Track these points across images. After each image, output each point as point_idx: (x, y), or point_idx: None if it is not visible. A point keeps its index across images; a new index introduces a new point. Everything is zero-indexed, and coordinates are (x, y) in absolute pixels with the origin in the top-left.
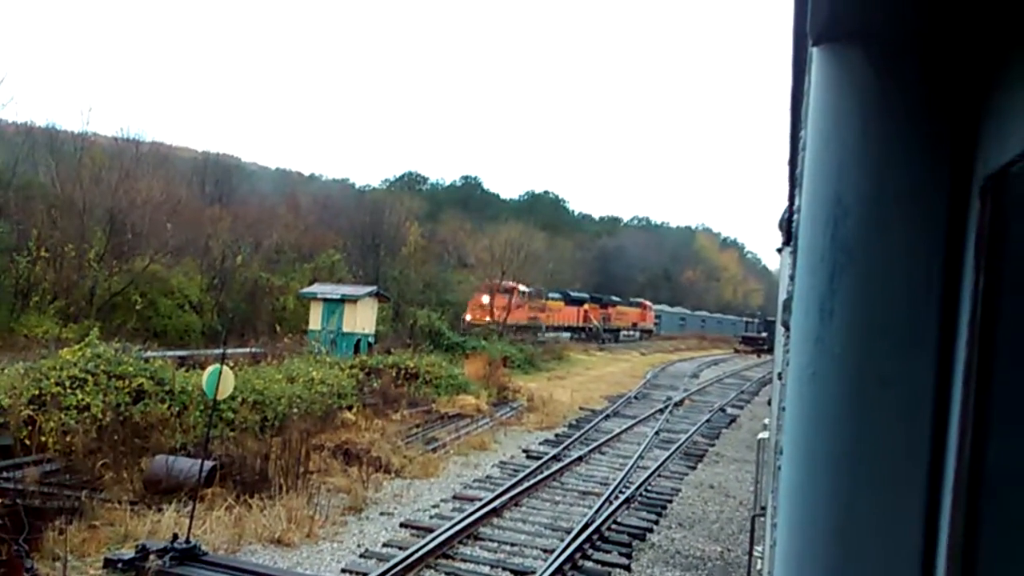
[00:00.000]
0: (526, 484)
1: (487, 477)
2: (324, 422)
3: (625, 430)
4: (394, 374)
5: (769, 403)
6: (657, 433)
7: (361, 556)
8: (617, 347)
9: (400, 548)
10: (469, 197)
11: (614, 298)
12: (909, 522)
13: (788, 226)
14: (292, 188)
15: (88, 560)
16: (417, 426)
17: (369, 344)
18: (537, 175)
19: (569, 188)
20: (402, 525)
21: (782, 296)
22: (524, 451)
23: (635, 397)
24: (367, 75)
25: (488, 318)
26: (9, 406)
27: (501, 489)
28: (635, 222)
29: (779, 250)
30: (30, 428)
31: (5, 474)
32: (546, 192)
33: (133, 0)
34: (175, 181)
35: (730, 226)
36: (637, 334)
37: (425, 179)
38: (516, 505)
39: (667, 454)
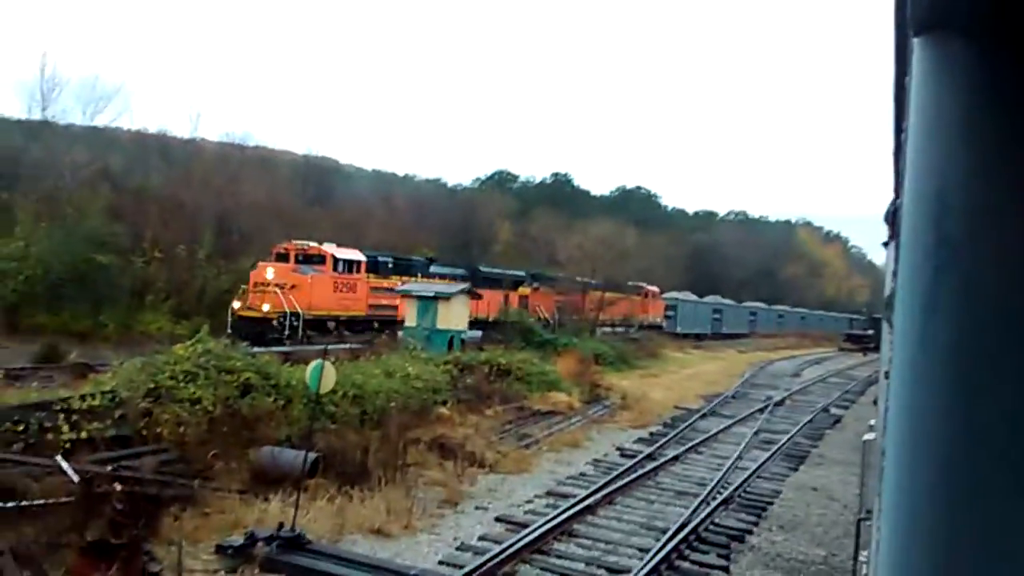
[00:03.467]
0: (620, 482)
1: (580, 474)
2: (420, 417)
3: (722, 430)
4: (487, 370)
5: (875, 403)
6: (756, 433)
7: (457, 549)
8: (715, 345)
9: (495, 542)
10: (559, 194)
11: (587, 280)
12: (1020, 529)
13: (893, 219)
14: (388, 188)
15: (200, 546)
16: (510, 422)
17: (462, 341)
18: (629, 170)
19: (662, 183)
20: (497, 519)
21: (887, 293)
22: (618, 449)
23: (733, 396)
24: (460, 76)
25: (272, 305)
26: (128, 398)
27: (595, 486)
28: (731, 216)
29: (885, 244)
30: (147, 419)
31: (125, 463)
32: (638, 187)
33: (237, 8)
34: (278, 183)
35: (833, 219)
36: (633, 330)
37: (516, 177)
38: (610, 503)
39: (767, 455)
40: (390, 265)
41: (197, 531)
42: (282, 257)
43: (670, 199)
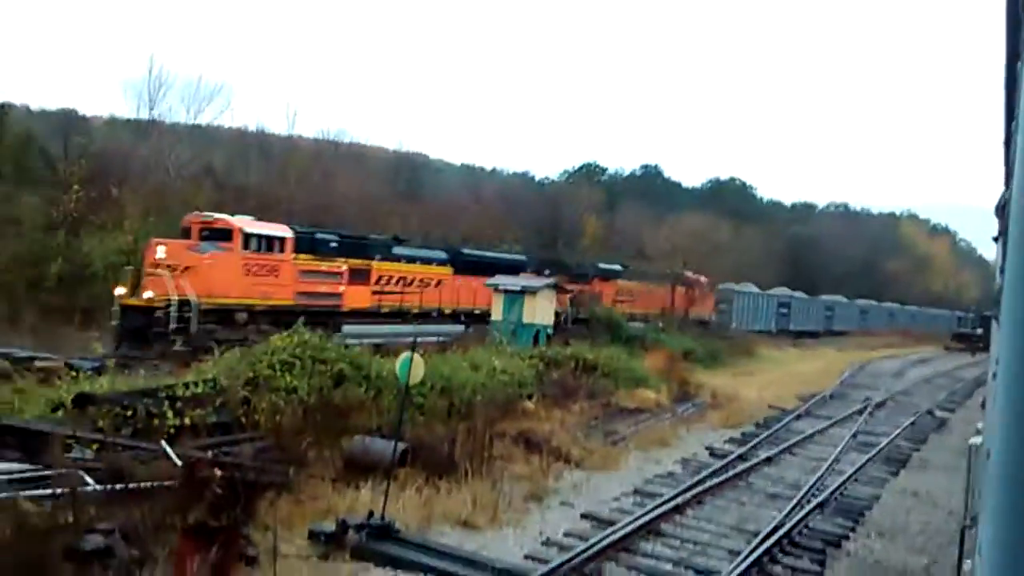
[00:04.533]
0: (710, 483)
1: (669, 473)
2: (506, 410)
3: (819, 431)
4: (572, 366)
5: (983, 406)
6: (855, 436)
7: (543, 544)
8: (812, 343)
9: (581, 539)
10: (649, 186)
11: (612, 267)
12: None
13: (1003, 212)
14: (476, 182)
15: (294, 531)
16: (596, 418)
17: (548, 335)
18: (722, 161)
19: (757, 173)
20: (583, 516)
21: (997, 289)
22: (708, 449)
23: (830, 396)
24: (549, 69)
25: (157, 291)
26: (228, 387)
27: (684, 486)
28: (831, 208)
29: (996, 239)
30: (246, 407)
31: (225, 449)
32: (732, 179)
33: (333, 8)
34: (370, 178)
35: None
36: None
37: (604, 169)
38: (699, 503)
39: (866, 458)
40: (333, 244)
41: (291, 517)
42: (186, 233)
43: (766, 190)
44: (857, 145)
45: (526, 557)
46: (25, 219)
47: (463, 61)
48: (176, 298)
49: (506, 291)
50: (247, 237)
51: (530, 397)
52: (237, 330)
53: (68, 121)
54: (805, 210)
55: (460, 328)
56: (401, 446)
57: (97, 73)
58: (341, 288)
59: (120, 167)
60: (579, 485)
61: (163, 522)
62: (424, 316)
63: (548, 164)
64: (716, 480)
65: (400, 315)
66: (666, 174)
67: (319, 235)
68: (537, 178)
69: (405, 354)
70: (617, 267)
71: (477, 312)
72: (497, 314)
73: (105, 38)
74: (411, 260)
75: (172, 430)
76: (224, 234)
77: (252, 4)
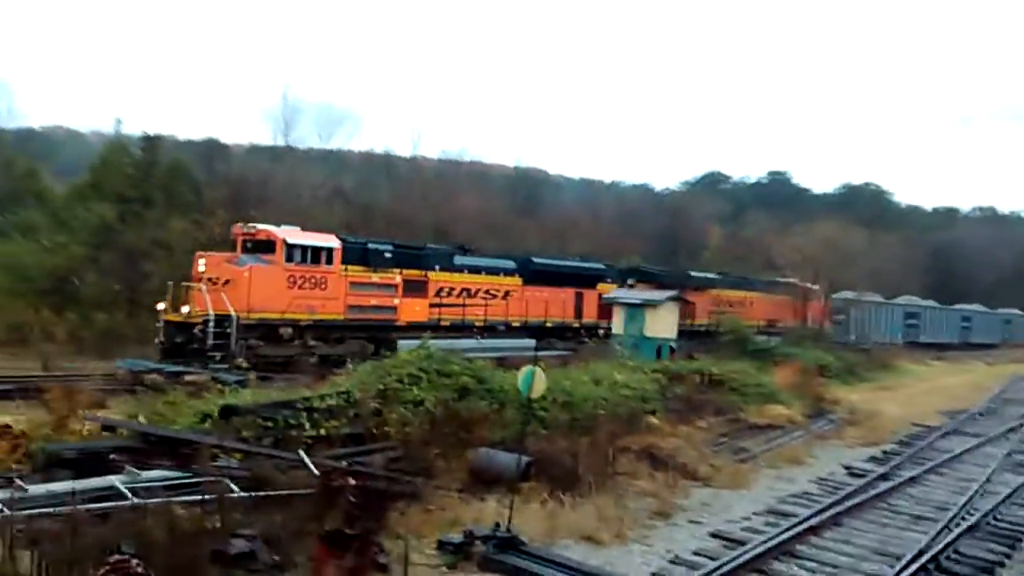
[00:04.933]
0: (848, 503)
1: (803, 492)
2: (629, 425)
3: (968, 450)
4: (698, 380)
5: None
6: (1009, 455)
7: (670, 562)
8: (959, 356)
9: (710, 558)
10: (776, 194)
11: (707, 275)
12: None
13: None
14: (594, 196)
15: (423, 540)
16: (723, 435)
17: (671, 349)
18: (855, 165)
19: (894, 178)
20: (712, 535)
21: None
22: (845, 467)
23: (980, 413)
24: (669, 79)
25: (195, 306)
26: (360, 399)
27: (820, 506)
28: (976, 213)
29: None
30: (376, 419)
31: (358, 459)
32: (865, 184)
33: (453, 32)
34: (490, 195)
35: None
36: (765, 339)
37: (727, 178)
38: (836, 524)
39: (1022, 480)
40: (387, 255)
41: (420, 526)
42: (234, 246)
43: (904, 195)
44: (1004, 145)
45: (652, 575)
46: (174, 243)
47: (583, 76)
48: (212, 313)
49: (627, 304)
50: (290, 248)
51: (654, 412)
52: (282, 346)
53: (211, 150)
54: (947, 215)
55: (530, 343)
56: (525, 459)
57: (237, 104)
58: (396, 301)
59: (258, 192)
60: (707, 503)
61: (301, 528)
62: (490, 330)
63: (668, 175)
64: (855, 500)
65: (462, 329)
66: (794, 180)
67: (371, 245)
68: (657, 189)
69: (527, 368)
70: (712, 276)
71: (549, 325)
72: (618, 328)
73: (244, 70)
74: (475, 270)
75: (309, 440)
76: (267, 246)
77: (380, 33)
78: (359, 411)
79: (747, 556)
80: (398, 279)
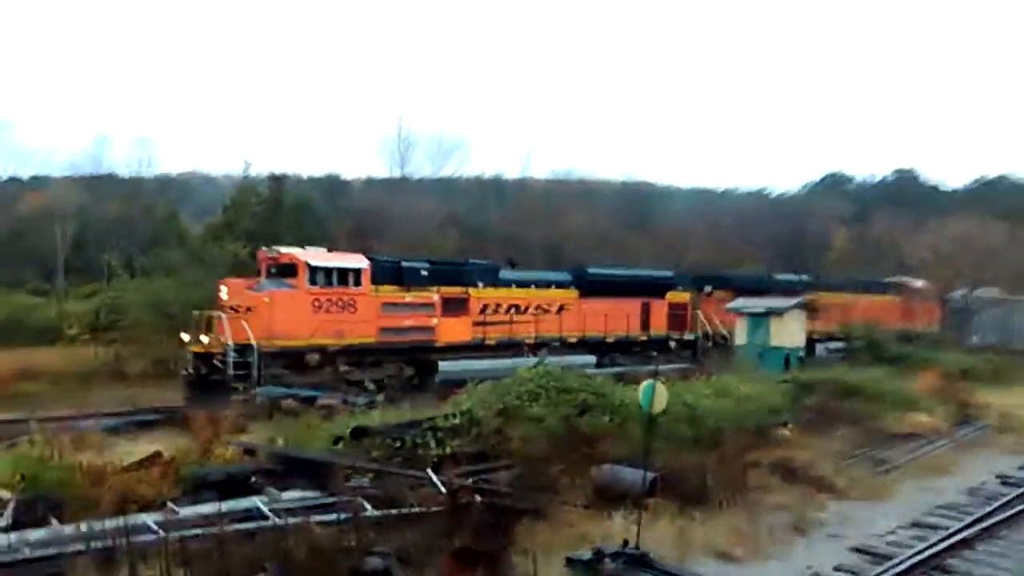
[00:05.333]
0: (1004, 514)
1: (952, 504)
2: (758, 438)
3: None
4: (830, 390)
5: None
6: None
7: None
8: None
9: (853, 573)
10: (904, 192)
11: (792, 278)
12: None
13: None
14: (708, 205)
15: (551, 557)
16: (861, 445)
17: (799, 358)
18: (988, 158)
19: None
20: (854, 549)
21: None
22: (998, 477)
23: None
24: (784, 78)
25: (215, 336)
26: (482, 418)
27: (971, 518)
28: None
29: None
30: (499, 436)
31: (483, 476)
32: (1002, 176)
33: (553, 52)
34: (599, 211)
35: None
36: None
37: (850, 178)
38: (992, 537)
39: None
40: (423, 272)
41: (547, 542)
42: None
43: None
44: None
45: None
46: None
47: (691, 83)
48: (231, 343)
49: (751, 314)
50: (313, 271)
51: (784, 424)
52: (310, 374)
53: (333, 184)
54: None
55: (590, 359)
56: (650, 474)
57: (356, 139)
58: (433, 321)
59: (377, 223)
60: (847, 517)
61: (432, 545)
62: (542, 348)
63: (787, 178)
64: (1011, 511)
65: (509, 348)
66: (922, 177)
67: (405, 263)
68: (775, 194)
69: (647, 382)
70: (804, 279)
71: (610, 340)
72: (741, 338)
73: (361, 106)
74: (523, 284)
75: (435, 459)
76: (289, 269)
77: (485, 59)
78: (481, 429)
79: (894, 571)
80: (435, 298)
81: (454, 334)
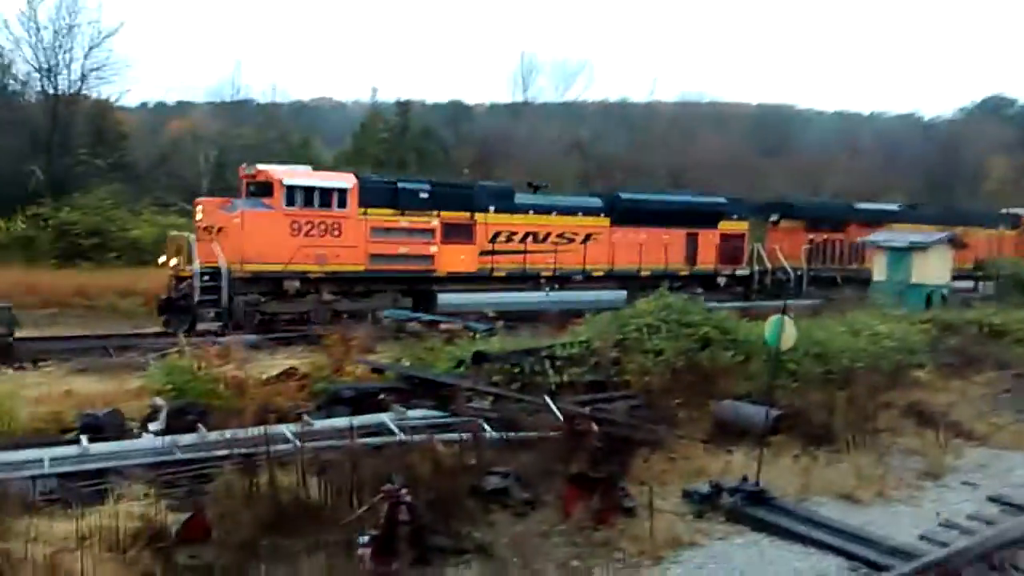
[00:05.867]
0: None
1: None
2: (892, 379)
3: None
4: (975, 331)
5: None
6: None
7: (941, 525)
8: None
9: (989, 523)
10: None
11: (884, 207)
12: None
13: None
14: (852, 130)
15: (667, 489)
16: (1007, 390)
17: (943, 297)
18: None
19: None
20: (990, 499)
21: None
22: None
23: None
24: None
25: (182, 260)
26: (599, 348)
27: None
28: None
29: None
30: (616, 368)
31: (600, 405)
32: None
33: None
34: (731, 137)
35: None
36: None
37: (1012, 101)
38: None
39: None
40: (422, 195)
41: (664, 474)
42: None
43: None
44: None
45: (921, 538)
46: None
47: None
48: (199, 266)
49: (890, 248)
50: (290, 191)
51: (921, 366)
52: (290, 302)
53: (457, 111)
54: None
55: (618, 295)
56: (774, 412)
57: (479, 64)
58: (432, 248)
59: (501, 148)
60: (985, 464)
61: (549, 469)
62: (562, 280)
63: (941, 102)
64: None
65: (524, 280)
66: None
67: (401, 184)
68: (926, 118)
69: (774, 317)
70: (893, 207)
71: (644, 274)
72: (880, 274)
73: (484, 31)
74: (543, 210)
75: (553, 386)
76: (266, 188)
77: None
78: (599, 359)
79: None
80: (435, 222)
81: (456, 263)
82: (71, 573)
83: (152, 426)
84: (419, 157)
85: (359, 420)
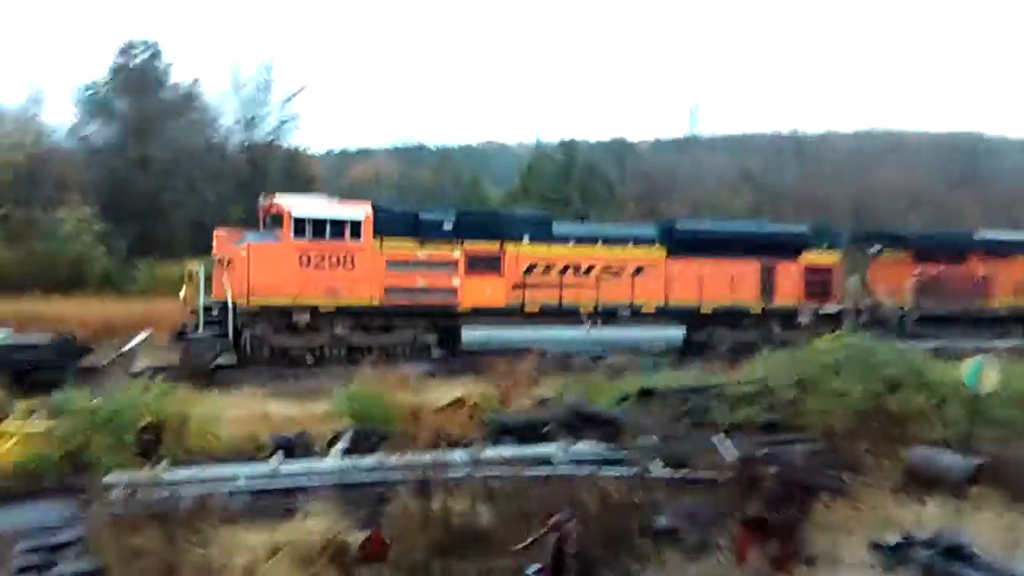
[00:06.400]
0: None
1: None
2: None
3: None
4: None
5: None
6: None
7: None
8: None
9: None
10: None
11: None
12: None
13: None
14: None
15: (852, 539)
16: None
17: None
18: None
19: None
20: None
21: None
22: None
23: None
24: None
25: (190, 293)
26: (775, 387)
27: None
28: None
29: None
30: (794, 408)
31: (775, 448)
32: None
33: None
34: (914, 167)
35: None
36: None
37: None
38: None
39: None
40: (446, 226)
41: (848, 523)
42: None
43: None
44: None
45: None
46: None
47: None
48: (202, 299)
49: None
50: (299, 223)
51: None
52: (300, 336)
53: (621, 148)
54: None
55: (677, 334)
56: (974, 461)
57: (643, 102)
58: (455, 281)
59: (666, 183)
60: None
61: (721, 511)
62: (608, 316)
63: None
64: None
65: (562, 316)
66: None
67: (423, 215)
68: None
69: (975, 359)
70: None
71: (706, 311)
72: None
73: (649, 68)
74: (585, 240)
75: (724, 425)
76: (278, 220)
77: (778, 11)
78: (774, 399)
79: None
80: (457, 254)
81: (483, 297)
82: None
83: (336, 447)
84: (583, 194)
85: (526, 450)
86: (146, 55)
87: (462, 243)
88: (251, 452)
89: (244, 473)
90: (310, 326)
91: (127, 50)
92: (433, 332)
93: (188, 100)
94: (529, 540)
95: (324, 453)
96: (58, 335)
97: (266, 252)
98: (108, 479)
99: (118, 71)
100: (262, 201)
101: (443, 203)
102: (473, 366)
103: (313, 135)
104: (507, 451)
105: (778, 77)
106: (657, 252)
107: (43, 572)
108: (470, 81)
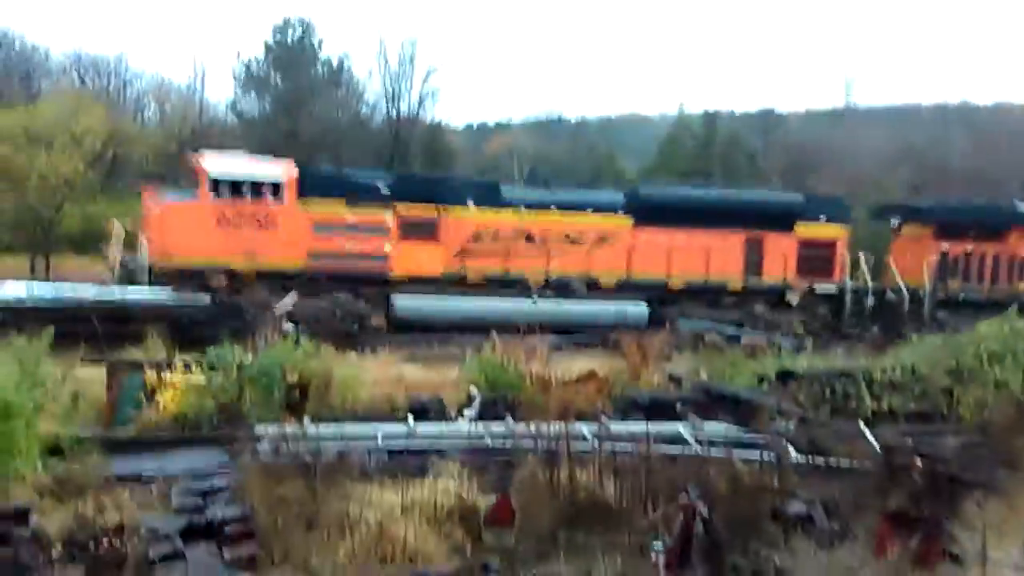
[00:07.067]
0: None
1: None
2: None
3: None
4: None
5: None
6: None
7: None
8: None
9: None
10: None
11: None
12: None
13: None
14: None
15: (1005, 539)
16: None
17: None
18: None
19: None
20: None
21: None
22: None
23: None
24: None
25: (113, 254)
26: (927, 375)
27: None
28: None
29: None
30: (947, 398)
31: (926, 438)
32: None
33: None
34: None
35: None
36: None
37: None
38: None
39: None
40: (382, 190)
41: (1003, 524)
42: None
43: None
44: None
45: None
46: None
47: None
48: (118, 257)
49: None
50: (215, 183)
51: None
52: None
53: (767, 119)
54: None
55: (639, 311)
56: None
57: (795, 71)
58: (386, 247)
59: (816, 156)
60: None
61: (860, 502)
62: (561, 288)
63: None
64: None
65: (509, 287)
66: None
67: (353, 176)
68: None
69: None
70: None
71: (675, 286)
72: None
73: (802, 35)
74: (538, 206)
75: (869, 413)
76: (197, 178)
77: None
78: (925, 387)
79: None
80: (389, 218)
81: (417, 265)
82: (395, 539)
83: (467, 412)
84: (725, 167)
85: (655, 427)
86: (299, 32)
87: (395, 207)
88: (387, 413)
89: (382, 432)
90: (232, 290)
91: (283, 27)
92: (362, 299)
93: (337, 75)
94: (655, 516)
95: (455, 418)
96: (215, 296)
97: (182, 212)
98: (257, 430)
99: (274, 48)
100: (188, 160)
101: (576, 176)
102: (601, 340)
103: (454, 109)
104: (635, 427)
105: (945, 42)
106: (621, 221)
107: (196, 514)
108: (612, 52)
